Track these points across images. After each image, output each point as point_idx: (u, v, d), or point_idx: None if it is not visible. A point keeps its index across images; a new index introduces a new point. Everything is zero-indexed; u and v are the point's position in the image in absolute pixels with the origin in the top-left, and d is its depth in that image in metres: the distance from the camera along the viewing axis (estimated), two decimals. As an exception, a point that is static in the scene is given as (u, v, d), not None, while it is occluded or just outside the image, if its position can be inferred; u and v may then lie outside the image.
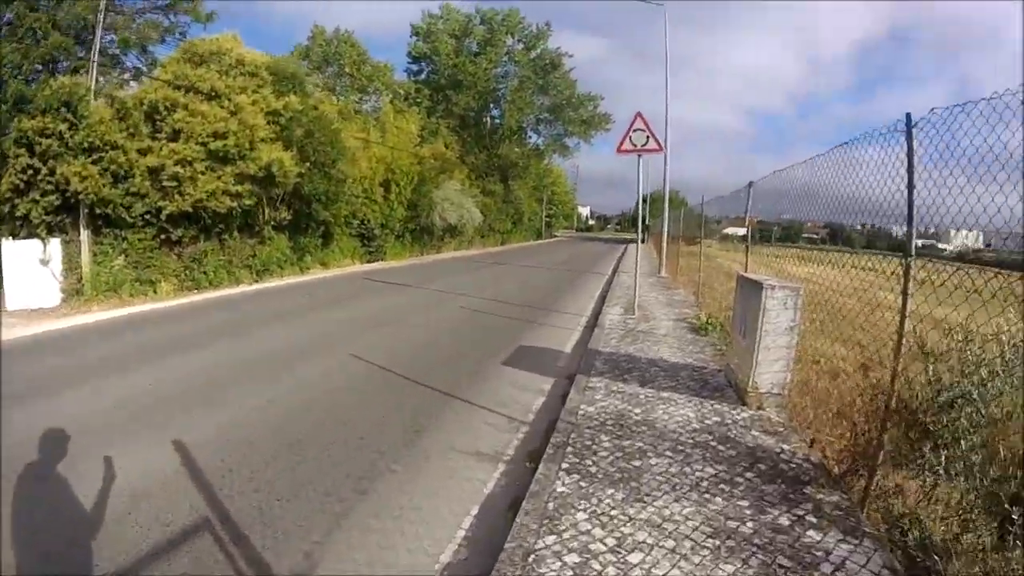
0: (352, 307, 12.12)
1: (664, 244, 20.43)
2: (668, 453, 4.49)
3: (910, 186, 3.46)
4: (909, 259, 3.64)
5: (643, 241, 53.15)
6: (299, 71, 20.44)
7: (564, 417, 5.32)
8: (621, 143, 10.18)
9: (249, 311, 11.50)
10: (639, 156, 10.27)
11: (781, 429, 5.13)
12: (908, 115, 3.45)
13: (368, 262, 24.38)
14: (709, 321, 9.50)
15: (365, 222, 24.71)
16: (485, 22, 45.03)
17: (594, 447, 4.60)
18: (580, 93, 45.89)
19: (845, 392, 5.17)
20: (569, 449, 4.56)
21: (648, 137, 10.00)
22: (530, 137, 50.01)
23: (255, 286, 14.95)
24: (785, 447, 4.68)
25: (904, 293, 3.64)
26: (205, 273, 14.46)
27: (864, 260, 5.29)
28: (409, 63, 46.14)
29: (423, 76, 45.64)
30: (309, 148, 17.91)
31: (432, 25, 44.34)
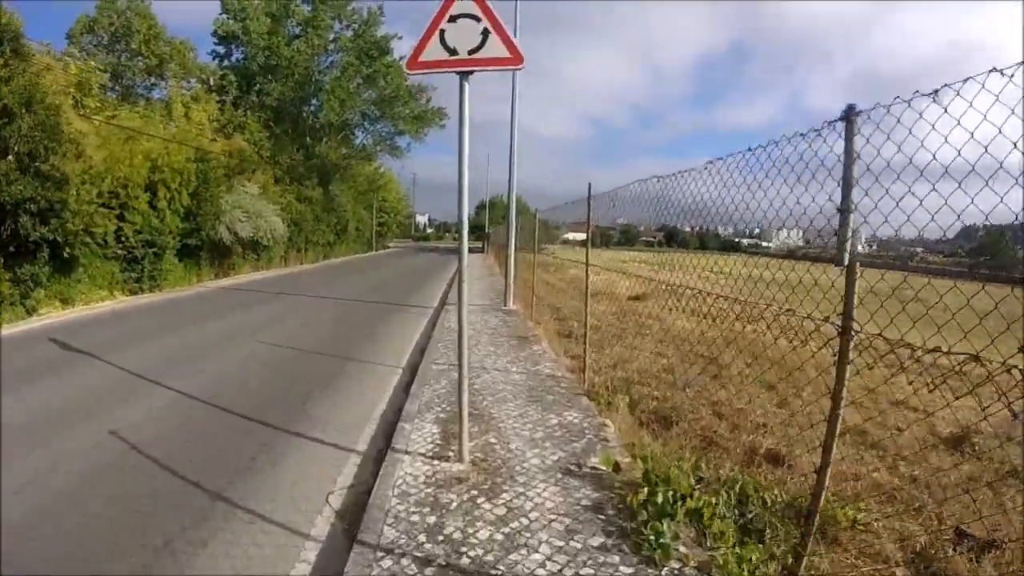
0: None
1: (510, 261, 14.33)
2: None
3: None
4: None
5: (483, 250, 47.78)
6: (14, 22, 12.65)
7: None
8: (422, 44, 3.93)
9: None
10: (463, 79, 4.07)
11: None
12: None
13: (133, 292, 16.89)
14: (656, 486, 3.54)
15: (123, 238, 16.91)
16: (308, 1, 37.05)
17: None
18: (411, 84, 39.33)
19: None
20: None
21: (487, 31, 3.83)
22: (357, 136, 42.59)
23: None
24: None
25: None
26: None
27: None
28: (215, 44, 37.06)
29: (232, 60, 36.90)
30: (9, 135, 11.33)
31: (246, 1, 35.52)
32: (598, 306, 11.84)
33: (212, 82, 35.18)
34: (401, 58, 39.41)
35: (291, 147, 37.49)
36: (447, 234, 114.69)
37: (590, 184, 6.18)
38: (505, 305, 13.39)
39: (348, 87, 36.91)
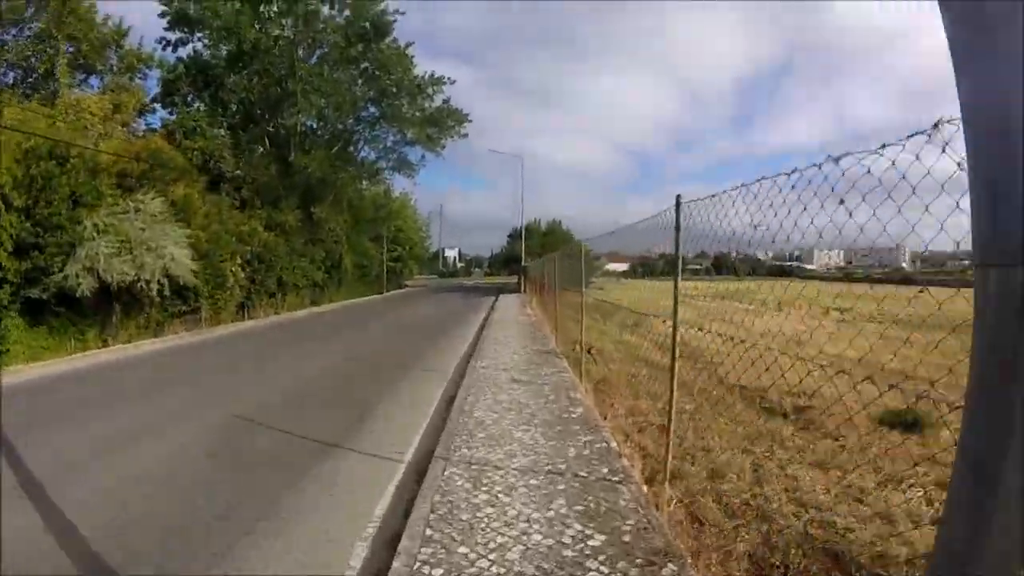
0: None
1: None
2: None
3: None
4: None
5: (519, 289, 36.71)
6: None
7: None
8: None
9: None
10: None
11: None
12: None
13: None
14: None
15: None
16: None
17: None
18: (418, 75, 28.77)
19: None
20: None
21: None
22: (360, 150, 32.00)
23: None
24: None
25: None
26: None
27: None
28: (165, 28, 26.97)
29: (188, 50, 27.12)
30: None
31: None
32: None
33: (161, 74, 25.61)
34: (408, 44, 29.05)
35: (265, 159, 27.23)
36: (477, 269, 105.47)
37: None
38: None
39: (331, 77, 26.44)
